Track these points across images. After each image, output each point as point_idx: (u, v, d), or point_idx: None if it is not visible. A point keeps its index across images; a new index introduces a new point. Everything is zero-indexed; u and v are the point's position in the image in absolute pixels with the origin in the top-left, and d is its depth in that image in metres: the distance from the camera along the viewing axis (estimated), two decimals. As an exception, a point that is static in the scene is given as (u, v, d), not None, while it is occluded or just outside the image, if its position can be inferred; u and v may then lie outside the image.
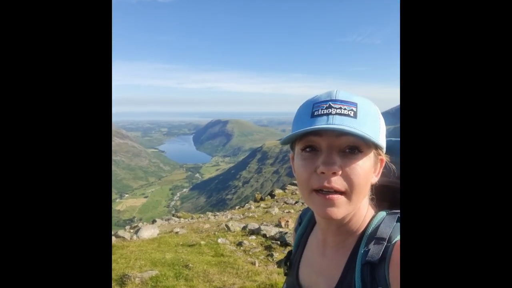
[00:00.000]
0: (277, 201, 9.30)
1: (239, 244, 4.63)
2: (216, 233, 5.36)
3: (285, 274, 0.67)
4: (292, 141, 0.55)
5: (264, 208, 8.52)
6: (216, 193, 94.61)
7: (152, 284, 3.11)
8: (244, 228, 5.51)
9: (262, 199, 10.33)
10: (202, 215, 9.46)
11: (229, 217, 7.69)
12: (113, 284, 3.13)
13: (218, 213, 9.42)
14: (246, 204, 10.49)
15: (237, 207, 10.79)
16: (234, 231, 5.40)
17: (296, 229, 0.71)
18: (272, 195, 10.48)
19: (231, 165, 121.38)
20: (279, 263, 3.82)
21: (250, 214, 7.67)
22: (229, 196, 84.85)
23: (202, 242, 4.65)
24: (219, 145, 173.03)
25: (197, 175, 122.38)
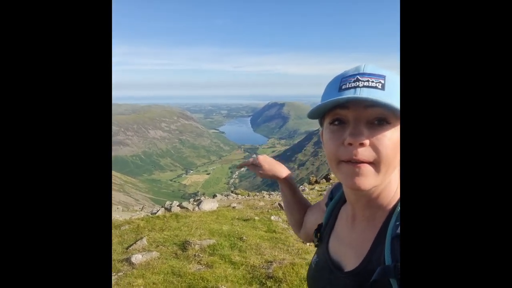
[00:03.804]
0: (332, 185, 9.03)
1: (292, 223, 4.70)
2: (270, 210, 5.52)
3: (316, 246, 0.69)
4: (320, 115, 0.55)
5: (319, 191, 8.38)
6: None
7: (210, 251, 3.41)
8: (297, 208, 5.54)
9: (317, 182, 10.16)
10: (257, 193, 9.81)
11: (283, 197, 7.80)
12: (176, 248, 3.53)
13: (273, 193, 9.63)
14: (301, 186, 10.46)
15: (291, 188, 10.81)
16: (287, 211, 5.49)
17: (327, 204, 0.72)
18: (327, 178, 10.21)
19: (287, 147, 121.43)
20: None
21: (304, 196, 7.63)
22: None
23: (256, 218, 4.85)
24: (275, 127, 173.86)
25: (254, 155, 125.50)
